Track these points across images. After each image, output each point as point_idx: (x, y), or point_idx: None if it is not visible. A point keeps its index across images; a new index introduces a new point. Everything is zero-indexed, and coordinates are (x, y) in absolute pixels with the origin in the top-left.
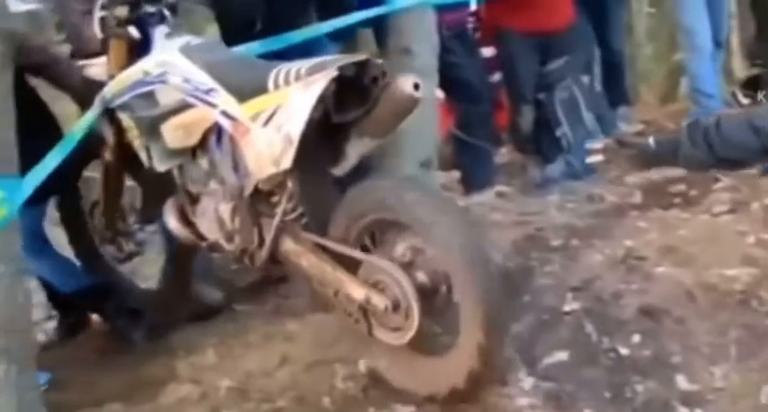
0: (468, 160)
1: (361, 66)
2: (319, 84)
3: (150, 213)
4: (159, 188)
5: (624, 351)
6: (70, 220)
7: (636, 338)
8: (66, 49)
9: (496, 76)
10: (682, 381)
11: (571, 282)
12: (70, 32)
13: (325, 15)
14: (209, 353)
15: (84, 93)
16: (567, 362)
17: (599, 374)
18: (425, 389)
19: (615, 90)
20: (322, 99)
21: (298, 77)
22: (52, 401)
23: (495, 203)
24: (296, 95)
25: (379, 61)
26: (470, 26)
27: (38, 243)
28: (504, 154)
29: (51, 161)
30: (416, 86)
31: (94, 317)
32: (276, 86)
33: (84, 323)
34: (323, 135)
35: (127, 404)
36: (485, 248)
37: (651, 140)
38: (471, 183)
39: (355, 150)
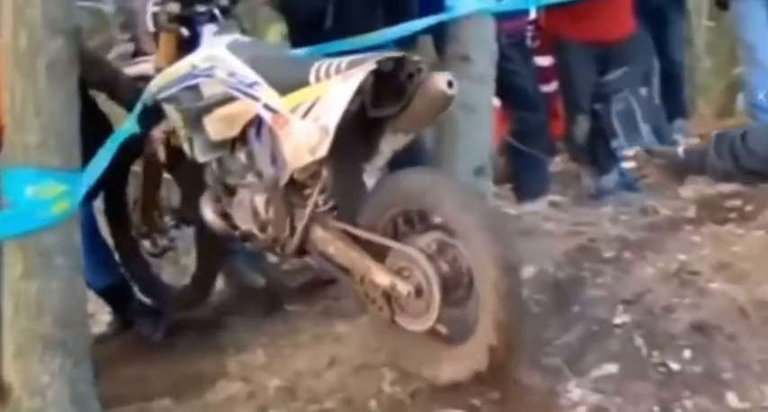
0: (522, 168)
1: (399, 62)
2: (358, 76)
3: (187, 214)
4: (197, 188)
5: (674, 366)
6: (114, 214)
7: (686, 354)
8: (129, 48)
9: (553, 85)
10: (732, 399)
11: (622, 295)
12: (134, 32)
13: (389, 21)
14: (258, 353)
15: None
16: (615, 375)
17: (648, 388)
18: (446, 376)
19: (673, 102)
20: (360, 91)
21: (338, 71)
22: (103, 394)
23: (547, 213)
24: (335, 88)
25: (417, 58)
26: (529, 35)
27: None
28: (558, 163)
29: (104, 157)
30: (450, 84)
31: None
32: (317, 79)
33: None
34: (358, 129)
35: (176, 399)
36: (510, 245)
37: (680, 150)
38: (524, 191)
39: (389, 146)
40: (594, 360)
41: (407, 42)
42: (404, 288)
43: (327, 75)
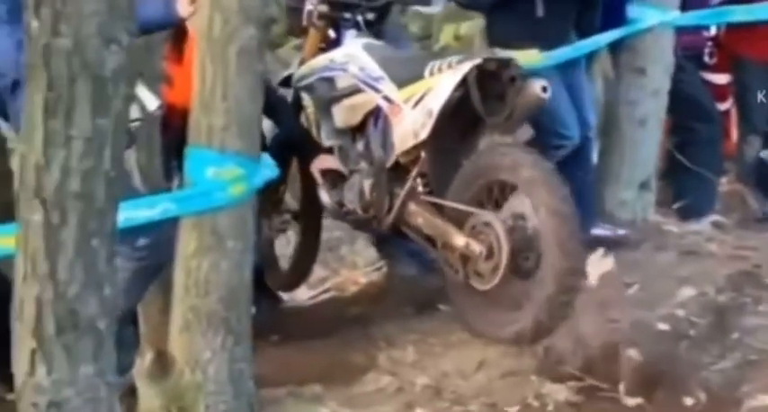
0: (689, 186)
1: (502, 64)
2: (463, 68)
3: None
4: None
5: None
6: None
7: None
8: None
9: (727, 104)
10: None
11: None
12: (288, 14)
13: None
14: (409, 349)
15: None
16: None
17: None
18: (494, 334)
19: None
20: (464, 82)
21: (450, 66)
22: (256, 374)
23: (711, 234)
24: (444, 79)
25: (518, 63)
26: (707, 51)
27: None
28: (724, 183)
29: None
30: (545, 89)
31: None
32: (431, 74)
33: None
34: (461, 128)
35: (326, 387)
36: (576, 230)
37: None
38: (689, 210)
39: (485, 144)
40: (750, 390)
41: (592, 54)
42: (476, 247)
43: (440, 70)
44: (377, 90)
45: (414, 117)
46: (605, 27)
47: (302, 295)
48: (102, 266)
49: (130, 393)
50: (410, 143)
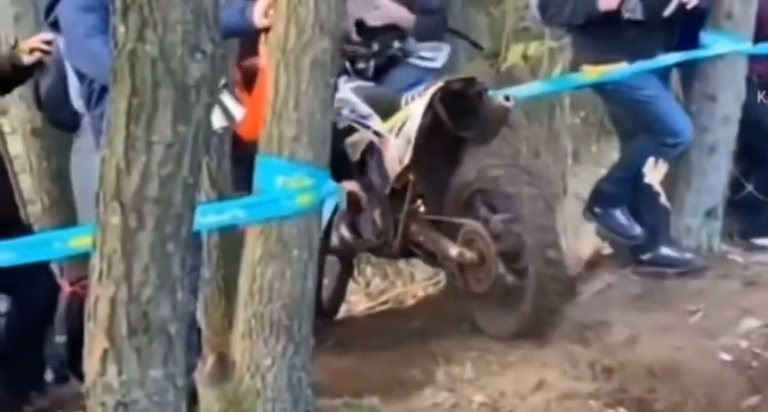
0: (756, 215)
1: (467, 82)
2: (429, 92)
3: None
4: None
5: None
6: None
7: None
8: None
9: None
10: None
11: None
12: None
13: None
14: (467, 366)
15: None
16: None
17: None
18: (495, 331)
19: None
20: (431, 105)
21: (420, 94)
22: (314, 384)
23: None
24: (415, 106)
25: (481, 80)
26: None
27: None
28: None
29: None
30: (507, 98)
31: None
32: (406, 103)
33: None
34: (445, 147)
35: (383, 399)
36: (557, 237)
37: None
38: (755, 238)
39: (468, 159)
40: None
41: (663, 76)
42: (469, 254)
43: (413, 99)
44: (367, 127)
45: (397, 145)
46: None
47: (361, 306)
48: (176, 271)
49: (191, 396)
50: (398, 169)
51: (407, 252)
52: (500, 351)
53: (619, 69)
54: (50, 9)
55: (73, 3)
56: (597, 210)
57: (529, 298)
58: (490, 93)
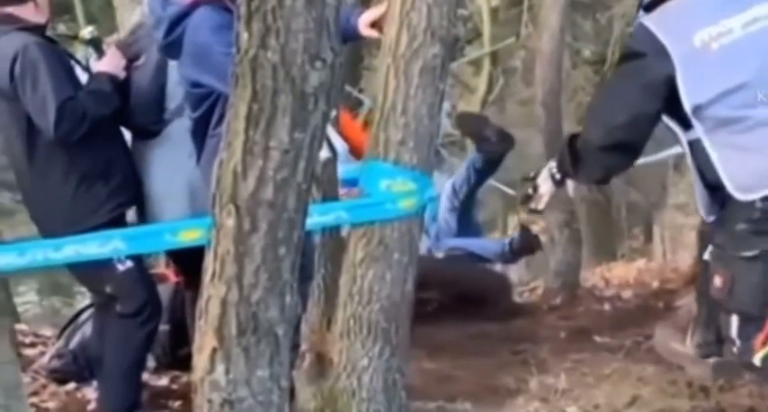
0: None
1: None
2: None
3: None
4: None
5: None
6: None
7: None
8: None
9: None
10: None
11: None
12: None
13: None
14: (561, 377)
15: None
16: None
17: None
18: None
19: None
20: None
21: None
22: (408, 386)
23: None
24: None
25: None
26: None
27: None
28: None
29: None
30: None
31: None
32: None
33: None
34: None
35: (477, 405)
36: None
37: None
38: None
39: None
40: None
41: None
42: None
43: None
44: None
45: None
46: None
47: None
48: (286, 274)
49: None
50: None
51: None
52: (595, 363)
53: None
54: (170, 31)
55: (205, 23)
56: None
57: None
58: None
